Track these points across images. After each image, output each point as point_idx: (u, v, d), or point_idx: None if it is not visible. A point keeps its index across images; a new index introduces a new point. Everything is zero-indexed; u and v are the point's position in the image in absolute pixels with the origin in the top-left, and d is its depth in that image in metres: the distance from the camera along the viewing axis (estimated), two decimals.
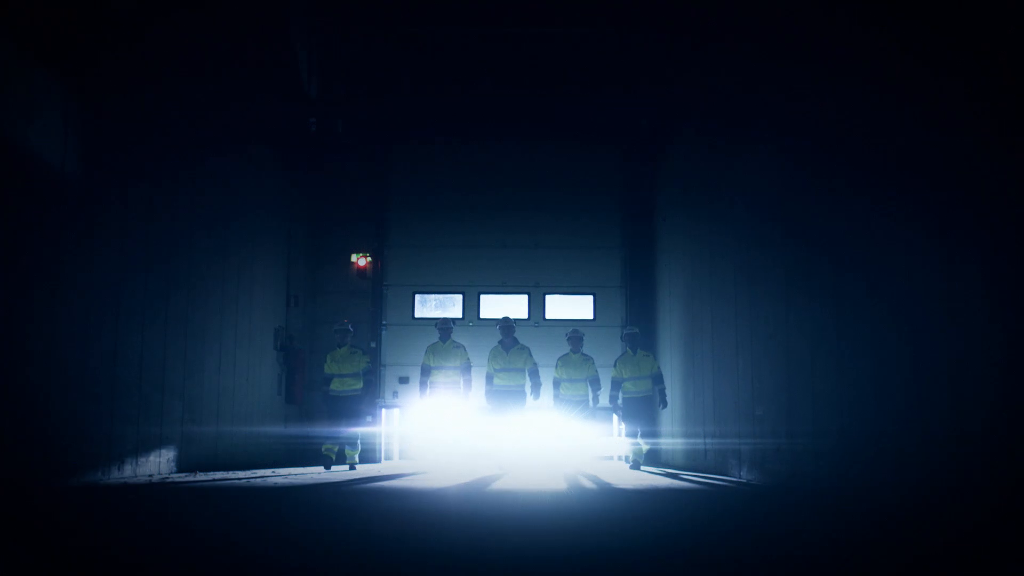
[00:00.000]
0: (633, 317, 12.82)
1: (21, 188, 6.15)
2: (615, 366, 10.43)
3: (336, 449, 10.25)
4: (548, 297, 13.23)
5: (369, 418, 12.75)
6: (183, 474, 8.49)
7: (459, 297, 13.20)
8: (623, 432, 11.37)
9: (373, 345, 13.03)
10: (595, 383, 10.43)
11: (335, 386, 10.33)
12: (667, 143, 11.90)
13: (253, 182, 11.08)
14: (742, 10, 8.16)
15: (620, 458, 12.37)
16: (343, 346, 10.40)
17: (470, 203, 13.26)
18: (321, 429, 10.56)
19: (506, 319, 10.80)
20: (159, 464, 8.35)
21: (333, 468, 10.06)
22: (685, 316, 10.73)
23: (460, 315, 13.09)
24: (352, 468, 10.23)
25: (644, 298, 12.94)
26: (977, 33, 4.36)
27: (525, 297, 13.21)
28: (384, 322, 13.12)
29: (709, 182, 9.51)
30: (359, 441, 10.37)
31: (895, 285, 5.09)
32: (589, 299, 13.23)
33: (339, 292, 13.22)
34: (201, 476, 8.20)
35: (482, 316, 13.03)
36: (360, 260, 13.26)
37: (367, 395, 10.48)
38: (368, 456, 12.29)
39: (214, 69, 9.59)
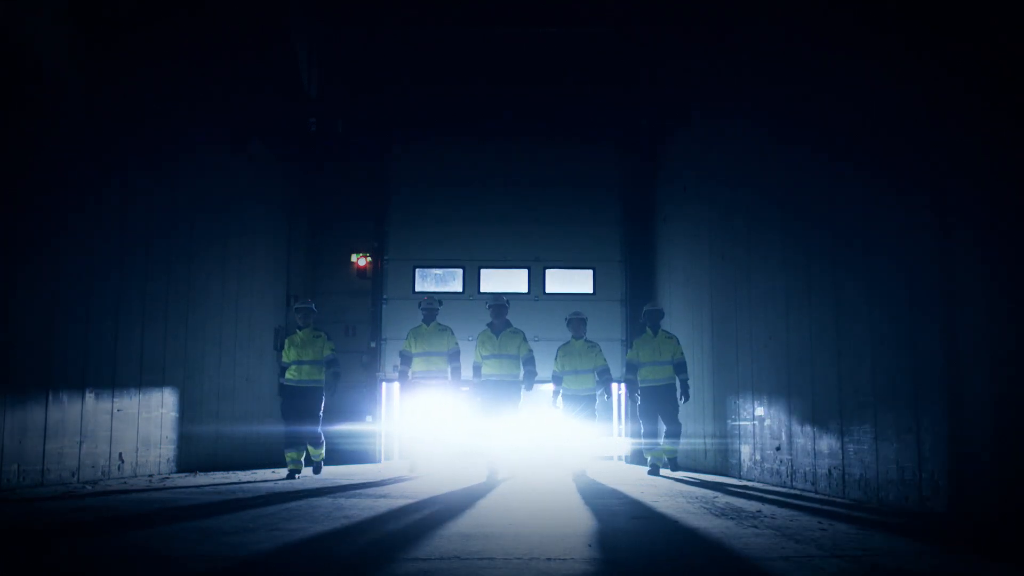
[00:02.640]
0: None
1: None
2: (632, 347, 9.31)
3: (296, 456, 8.53)
4: (548, 271, 13.24)
5: (369, 417, 12.72)
6: (183, 474, 8.49)
7: (459, 271, 13.23)
8: (633, 431, 11.07)
9: (373, 345, 13.01)
10: (604, 374, 9.17)
11: (291, 375, 8.60)
12: (667, 138, 11.91)
13: (253, 181, 11.07)
14: (742, 6, 8.15)
15: (619, 458, 12.33)
16: (304, 328, 8.73)
17: (471, 184, 13.34)
18: (286, 428, 8.73)
19: (497, 297, 9.38)
20: (159, 464, 8.34)
21: (298, 475, 8.43)
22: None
23: (460, 289, 13.13)
24: (317, 472, 8.76)
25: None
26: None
27: (525, 271, 13.24)
28: (385, 296, 13.16)
29: (709, 176, 9.50)
30: (323, 438, 8.79)
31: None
32: (589, 273, 13.25)
33: (339, 292, 13.21)
34: (201, 476, 8.19)
35: (482, 290, 13.04)
36: (360, 260, 13.25)
37: (334, 387, 8.70)
38: (368, 456, 12.28)
39: (215, 67, 9.58)
